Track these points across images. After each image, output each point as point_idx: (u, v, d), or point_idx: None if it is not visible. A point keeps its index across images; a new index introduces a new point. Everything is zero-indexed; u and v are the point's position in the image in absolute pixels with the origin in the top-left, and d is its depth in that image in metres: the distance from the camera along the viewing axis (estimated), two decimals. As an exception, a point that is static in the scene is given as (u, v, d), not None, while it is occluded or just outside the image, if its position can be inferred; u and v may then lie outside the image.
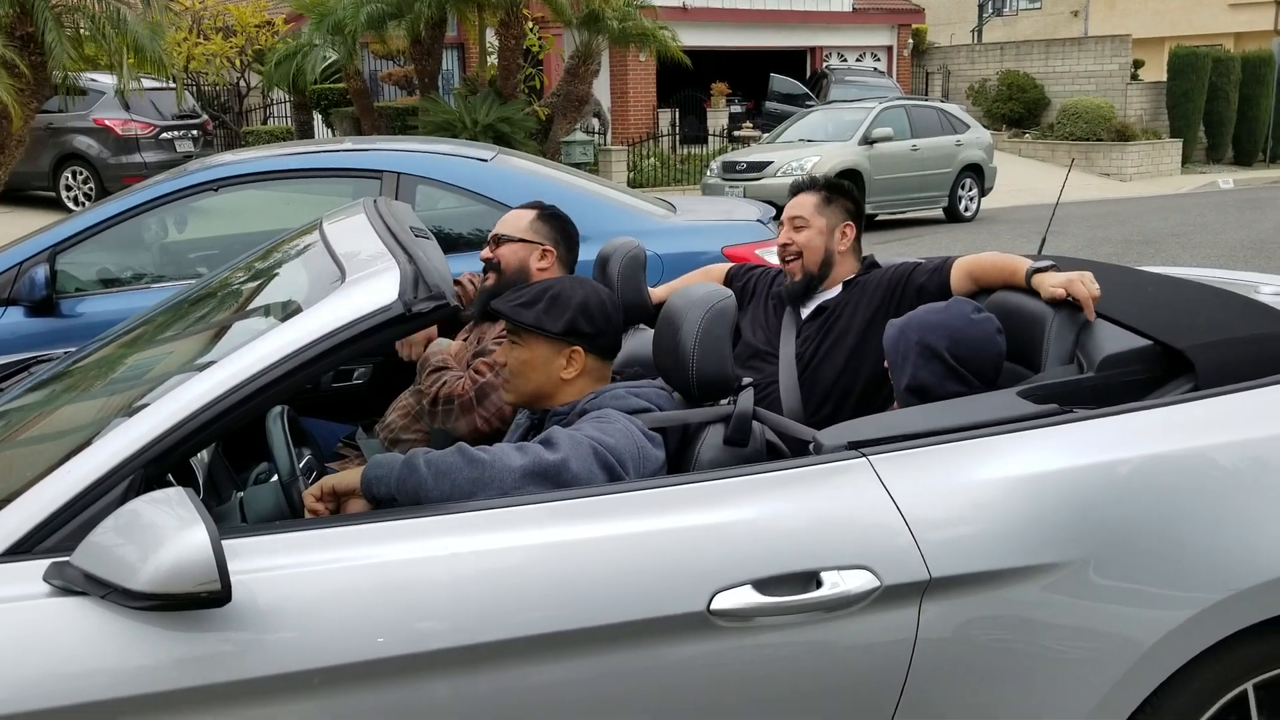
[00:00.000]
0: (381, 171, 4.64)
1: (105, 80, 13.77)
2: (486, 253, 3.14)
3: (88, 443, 1.86)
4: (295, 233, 2.75)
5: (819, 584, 1.92)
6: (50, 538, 1.76)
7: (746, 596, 1.89)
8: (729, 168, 15.06)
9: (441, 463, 2.01)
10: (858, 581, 1.92)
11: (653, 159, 18.69)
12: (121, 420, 1.87)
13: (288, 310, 2.07)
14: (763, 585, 1.90)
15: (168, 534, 1.64)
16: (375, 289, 1.95)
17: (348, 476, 2.11)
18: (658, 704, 1.91)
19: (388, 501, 2.05)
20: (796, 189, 3.28)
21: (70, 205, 14.81)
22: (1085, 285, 2.53)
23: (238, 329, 2.26)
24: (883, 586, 1.93)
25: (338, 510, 2.13)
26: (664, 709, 1.91)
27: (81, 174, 15.12)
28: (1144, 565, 2.01)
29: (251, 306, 2.44)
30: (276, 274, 2.53)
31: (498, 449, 2.05)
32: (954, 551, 1.97)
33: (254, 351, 1.89)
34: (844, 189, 3.25)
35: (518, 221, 3.15)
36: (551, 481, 2.01)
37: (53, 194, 15.21)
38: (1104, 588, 2.00)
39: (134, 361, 2.47)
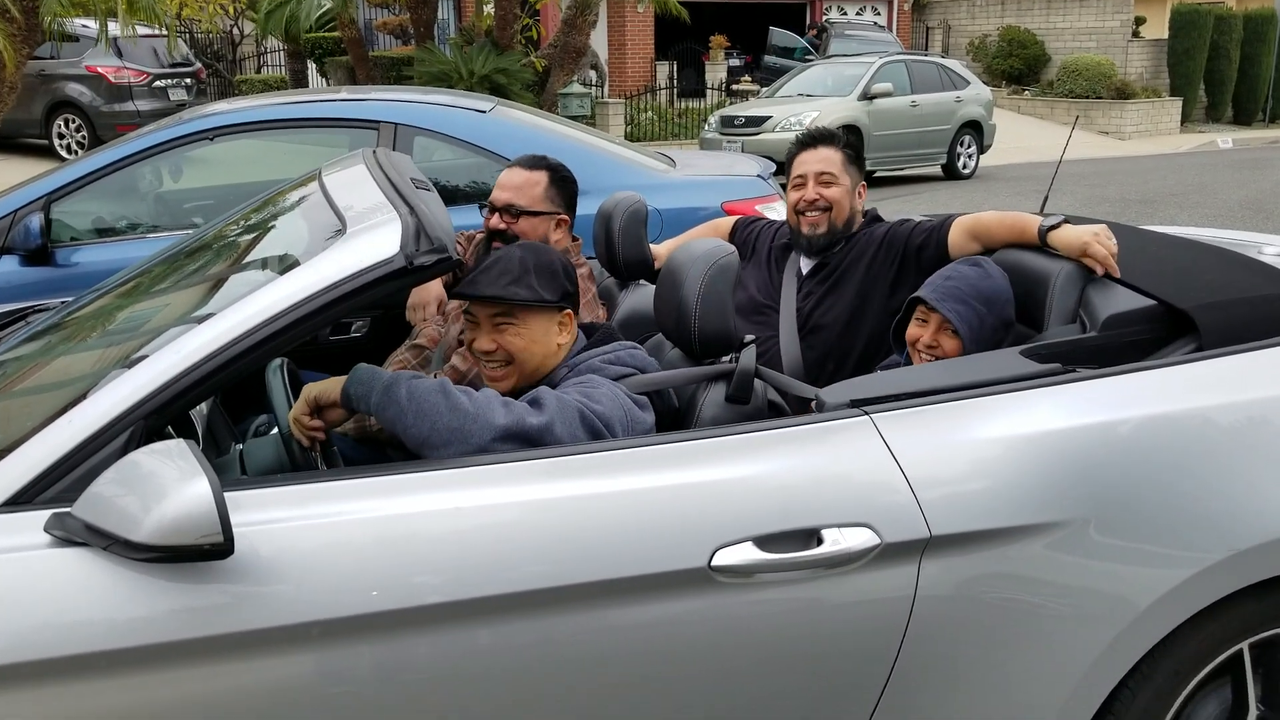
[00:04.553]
0: (379, 122, 4.61)
1: (97, 26, 13.61)
2: (498, 223, 2.99)
3: (88, 393, 1.85)
4: (294, 183, 2.72)
5: (820, 541, 1.92)
6: (51, 488, 1.75)
7: (748, 553, 1.89)
8: (727, 122, 14.97)
9: (424, 400, 1.98)
10: (858, 539, 1.93)
11: (650, 112, 18.55)
12: (122, 371, 1.85)
13: (287, 262, 2.05)
14: (764, 542, 1.90)
15: (170, 486, 1.63)
16: (377, 241, 1.92)
17: (329, 388, 2.08)
18: (659, 658, 1.92)
19: (365, 412, 2.05)
20: (814, 140, 3.19)
21: (63, 153, 14.70)
22: (1104, 242, 2.53)
23: (238, 280, 2.23)
24: (883, 544, 1.93)
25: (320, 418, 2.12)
26: (665, 663, 1.92)
27: (74, 122, 14.98)
28: (1144, 525, 2.02)
29: (251, 258, 2.42)
30: (276, 225, 2.50)
31: (482, 400, 2.01)
32: (955, 510, 1.97)
33: (255, 303, 1.87)
34: (857, 148, 3.22)
35: (533, 190, 2.99)
36: (531, 444, 1.98)
37: (45, 142, 15.09)
38: (1104, 547, 2.00)
39: (133, 312, 2.45)
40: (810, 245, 3.14)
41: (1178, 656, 2.07)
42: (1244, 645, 2.12)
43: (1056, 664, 2.02)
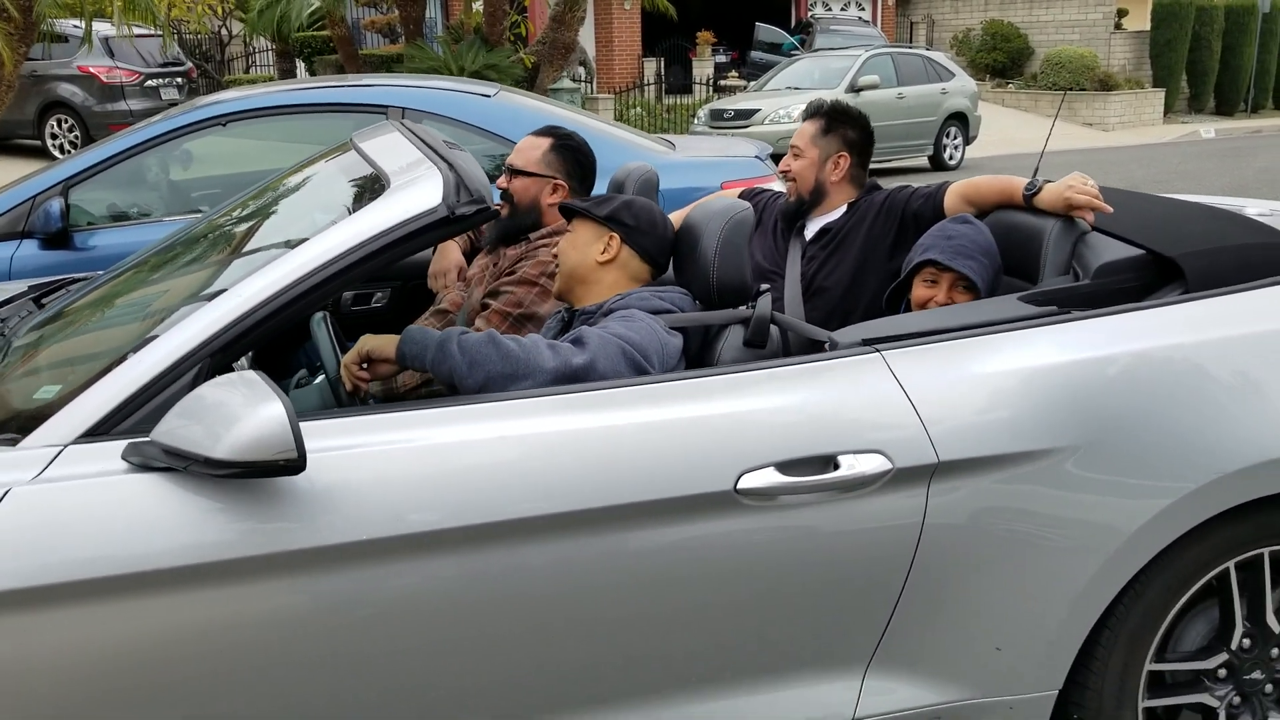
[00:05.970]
0: (387, 106, 4.72)
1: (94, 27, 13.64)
2: (503, 182, 3.14)
3: (156, 335, 1.98)
4: (326, 151, 2.85)
5: (836, 466, 2.07)
6: (126, 420, 1.89)
7: (770, 477, 2.04)
8: (716, 116, 15.12)
9: (476, 352, 2.14)
10: (872, 464, 2.08)
11: (638, 108, 18.67)
12: (188, 313, 1.99)
13: (335, 215, 2.18)
14: (785, 467, 2.05)
15: (245, 409, 1.77)
16: (420, 193, 2.06)
17: (383, 343, 2.25)
18: (684, 580, 2.06)
19: (419, 370, 2.22)
20: (805, 113, 3.42)
21: (56, 154, 14.75)
22: (1082, 189, 2.68)
23: (290, 233, 2.36)
24: (895, 469, 2.08)
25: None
26: (692, 581, 2.06)
27: (67, 122, 15.04)
28: (1132, 452, 2.17)
29: (300, 213, 2.55)
30: (319, 185, 2.64)
31: (530, 345, 2.18)
32: (960, 437, 2.12)
33: (310, 250, 2.01)
34: (847, 117, 3.34)
35: (531, 153, 3.12)
36: (578, 381, 2.15)
37: (38, 142, 15.14)
38: (1096, 472, 2.15)
39: (185, 268, 2.58)
40: (783, 213, 3.37)
41: (1168, 575, 2.23)
42: (1230, 564, 2.27)
43: (1055, 578, 2.17)
